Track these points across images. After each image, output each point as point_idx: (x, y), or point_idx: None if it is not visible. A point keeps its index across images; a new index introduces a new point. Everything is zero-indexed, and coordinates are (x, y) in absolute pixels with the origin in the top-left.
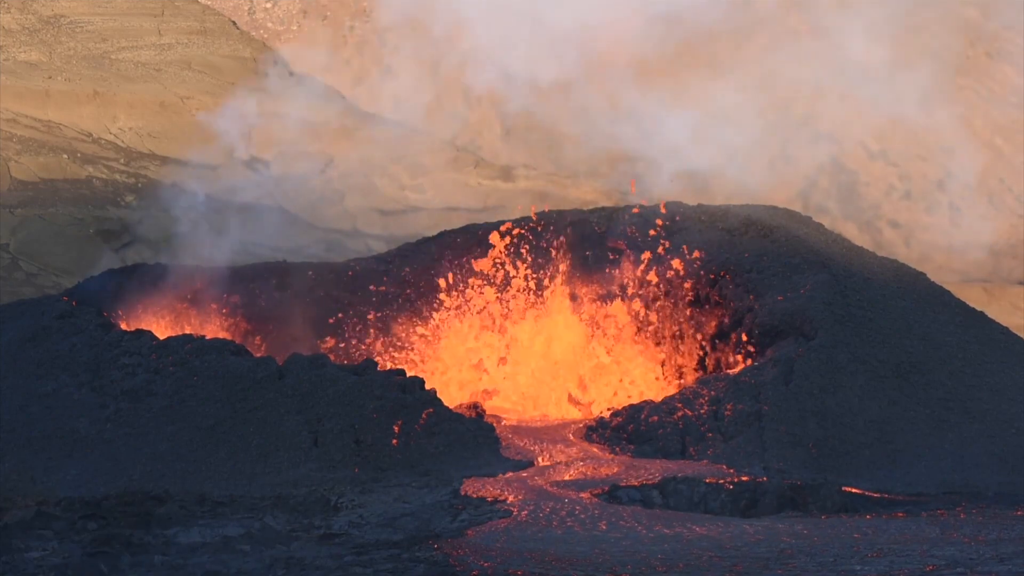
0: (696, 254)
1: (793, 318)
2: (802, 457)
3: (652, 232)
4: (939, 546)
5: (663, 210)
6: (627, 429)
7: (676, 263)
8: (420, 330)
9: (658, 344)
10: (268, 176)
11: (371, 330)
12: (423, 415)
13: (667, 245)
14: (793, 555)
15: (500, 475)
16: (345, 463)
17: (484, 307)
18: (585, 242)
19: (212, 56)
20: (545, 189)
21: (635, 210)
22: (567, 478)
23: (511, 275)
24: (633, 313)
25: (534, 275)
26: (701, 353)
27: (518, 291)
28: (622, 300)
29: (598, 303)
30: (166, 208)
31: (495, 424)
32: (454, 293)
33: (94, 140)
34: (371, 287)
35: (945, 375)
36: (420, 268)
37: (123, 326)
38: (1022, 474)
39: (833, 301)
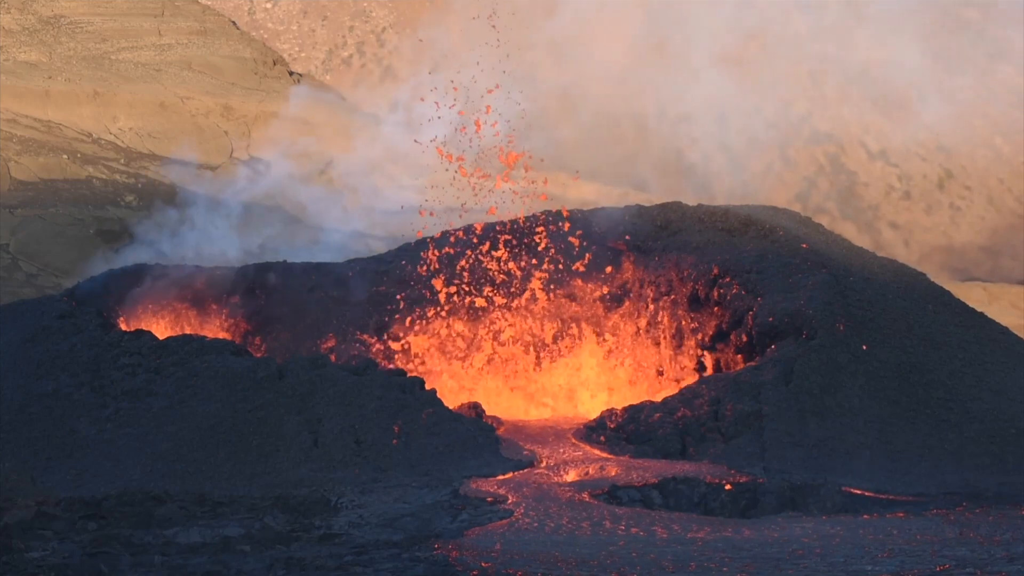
0: (696, 254)
1: (793, 318)
2: (802, 457)
3: (652, 232)
4: (950, 546)
5: (663, 210)
6: (627, 429)
7: (676, 263)
8: (420, 330)
9: (658, 344)
10: (268, 176)
11: (371, 330)
12: (423, 415)
13: (667, 245)
14: (804, 555)
15: (500, 475)
16: (345, 463)
17: (483, 307)
18: (585, 242)
19: (212, 56)
20: (545, 189)
21: (634, 210)
22: (567, 478)
23: (510, 275)
24: (633, 313)
25: (533, 275)
26: (701, 353)
27: (518, 291)
28: (622, 300)
29: (598, 303)
30: (166, 208)
31: (495, 424)
32: (453, 292)
33: (94, 140)
34: (371, 287)
35: (945, 375)
36: (420, 268)
37: (123, 326)
38: (1022, 474)
39: (833, 301)
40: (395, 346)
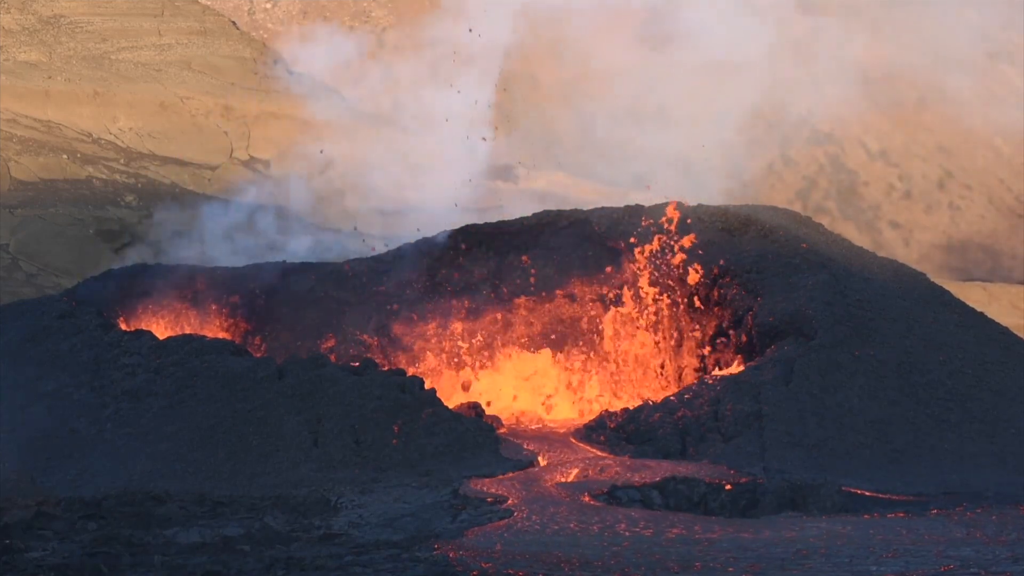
0: (696, 254)
1: (793, 318)
2: (802, 457)
3: (652, 232)
4: (955, 546)
5: (663, 210)
6: (627, 429)
7: (676, 263)
8: (419, 330)
9: (658, 344)
10: (268, 176)
11: (371, 330)
12: (423, 415)
13: (667, 245)
14: (808, 555)
15: (500, 475)
16: (345, 463)
17: (483, 307)
18: (585, 242)
19: (212, 56)
20: (545, 189)
21: (635, 210)
22: (567, 478)
23: (510, 275)
24: (633, 313)
25: (533, 275)
26: (701, 353)
27: (518, 291)
28: (622, 300)
29: (598, 303)
30: (166, 208)
31: (495, 424)
32: (453, 292)
33: (94, 140)
34: (371, 287)
35: (945, 375)
36: (420, 268)
37: (123, 326)
38: (1022, 474)
39: (833, 301)
40: (395, 346)
